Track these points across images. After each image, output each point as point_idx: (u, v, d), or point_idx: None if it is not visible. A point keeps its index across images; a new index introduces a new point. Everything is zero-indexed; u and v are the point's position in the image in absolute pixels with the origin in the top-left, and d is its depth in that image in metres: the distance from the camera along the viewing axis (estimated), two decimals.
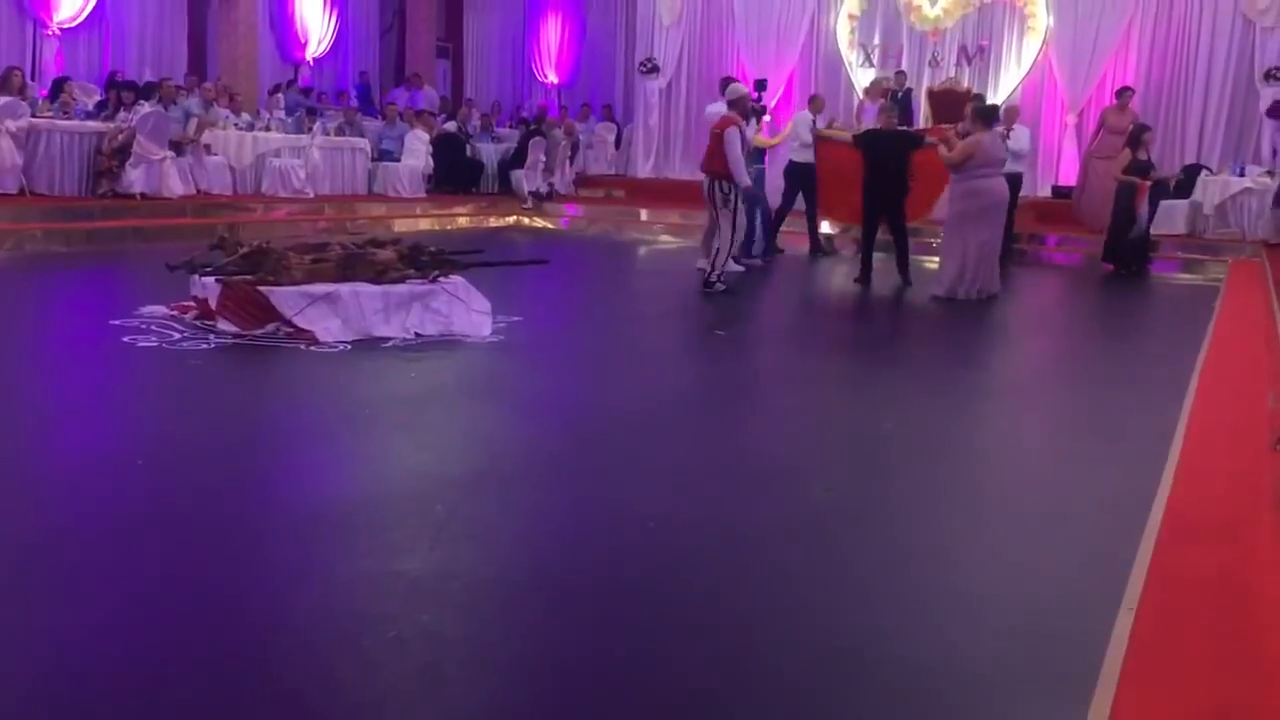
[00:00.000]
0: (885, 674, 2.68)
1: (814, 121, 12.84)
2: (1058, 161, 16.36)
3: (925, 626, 2.94)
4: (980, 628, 2.96)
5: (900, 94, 15.33)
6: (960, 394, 6.18)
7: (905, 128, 11.81)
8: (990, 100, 14.01)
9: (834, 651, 2.76)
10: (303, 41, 19.16)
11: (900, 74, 16.02)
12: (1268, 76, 14.85)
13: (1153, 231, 12.29)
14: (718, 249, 9.44)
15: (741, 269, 10.91)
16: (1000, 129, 11.56)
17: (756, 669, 2.67)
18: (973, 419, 5.62)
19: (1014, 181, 11.46)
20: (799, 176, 12.63)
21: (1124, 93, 14.12)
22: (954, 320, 8.78)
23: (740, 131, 9.56)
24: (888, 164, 10.26)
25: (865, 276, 10.37)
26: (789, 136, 13.22)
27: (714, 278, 9.40)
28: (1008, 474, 4.63)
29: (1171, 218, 13.38)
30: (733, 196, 9.44)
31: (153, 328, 6.43)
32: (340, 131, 15.64)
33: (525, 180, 16.56)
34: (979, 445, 5.07)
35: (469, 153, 17.20)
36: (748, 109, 10.00)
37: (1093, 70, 15.98)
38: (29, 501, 3.63)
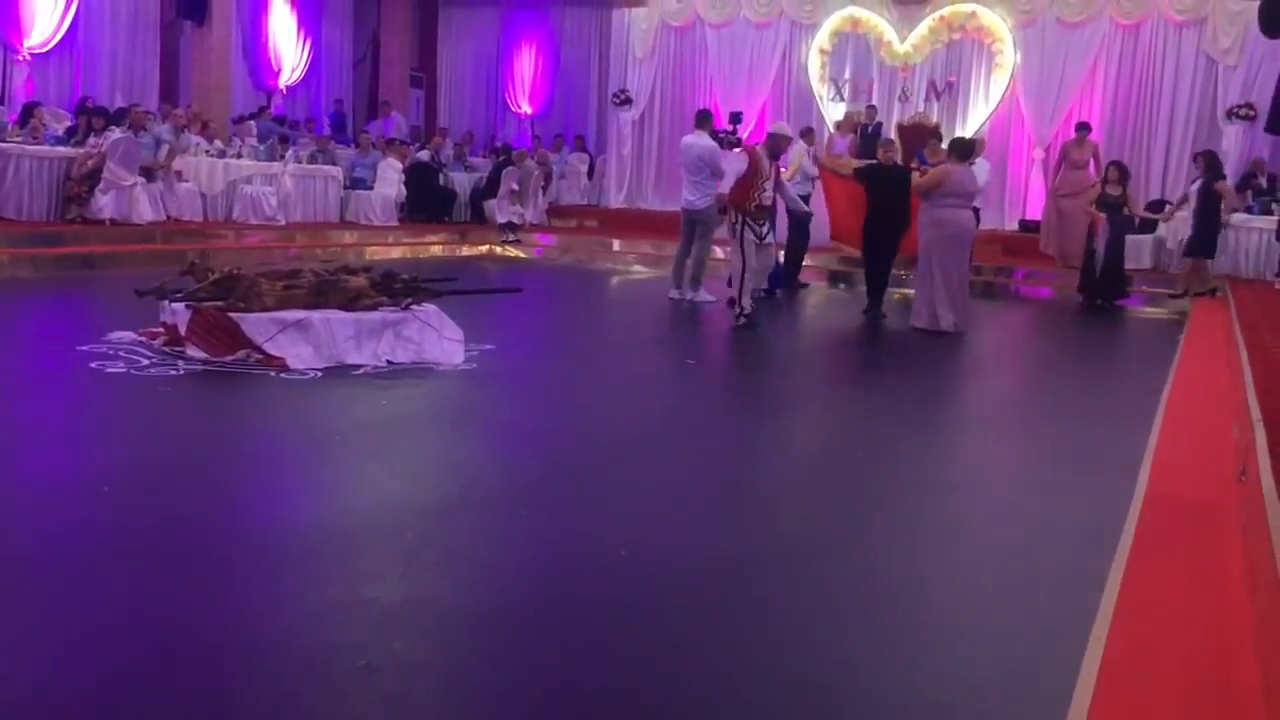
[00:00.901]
0: (856, 704, 2.68)
1: (809, 153, 12.98)
2: (1025, 196, 16.60)
3: (897, 657, 2.94)
4: (951, 658, 2.96)
5: (871, 128, 15.53)
6: (932, 425, 6.22)
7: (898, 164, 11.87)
8: (959, 135, 14.18)
9: (805, 682, 2.75)
10: (276, 69, 19.16)
11: (871, 108, 16.22)
12: (1230, 114, 15.13)
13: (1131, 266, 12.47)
14: (741, 283, 9.31)
15: (712, 299, 10.97)
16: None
17: (727, 699, 2.66)
18: (944, 450, 5.65)
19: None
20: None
21: (1082, 127, 14.38)
22: (924, 352, 8.84)
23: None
24: (894, 198, 10.30)
25: (875, 307, 10.45)
26: (797, 170, 13.24)
27: (738, 310, 9.31)
28: (979, 505, 4.66)
29: (1139, 253, 13.59)
30: (739, 227, 9.39)
31: (121, 353, 6.37)
32: (313, 159, 15.64)
33: (499, 210, 16.59)
34: (950, 476, 5.10)
35: (442, 181, 17.22)
36: (778, 149, 9.89)
37: (1059, 106, 16.24)
38: None
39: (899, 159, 11.30)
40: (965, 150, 10.03)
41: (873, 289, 10.61)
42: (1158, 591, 3.32)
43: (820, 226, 12.29)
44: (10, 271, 10.17)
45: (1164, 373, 7.49)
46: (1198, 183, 12.72)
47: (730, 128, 13.92)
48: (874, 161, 11.32)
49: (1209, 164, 12.66)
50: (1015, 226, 16.13)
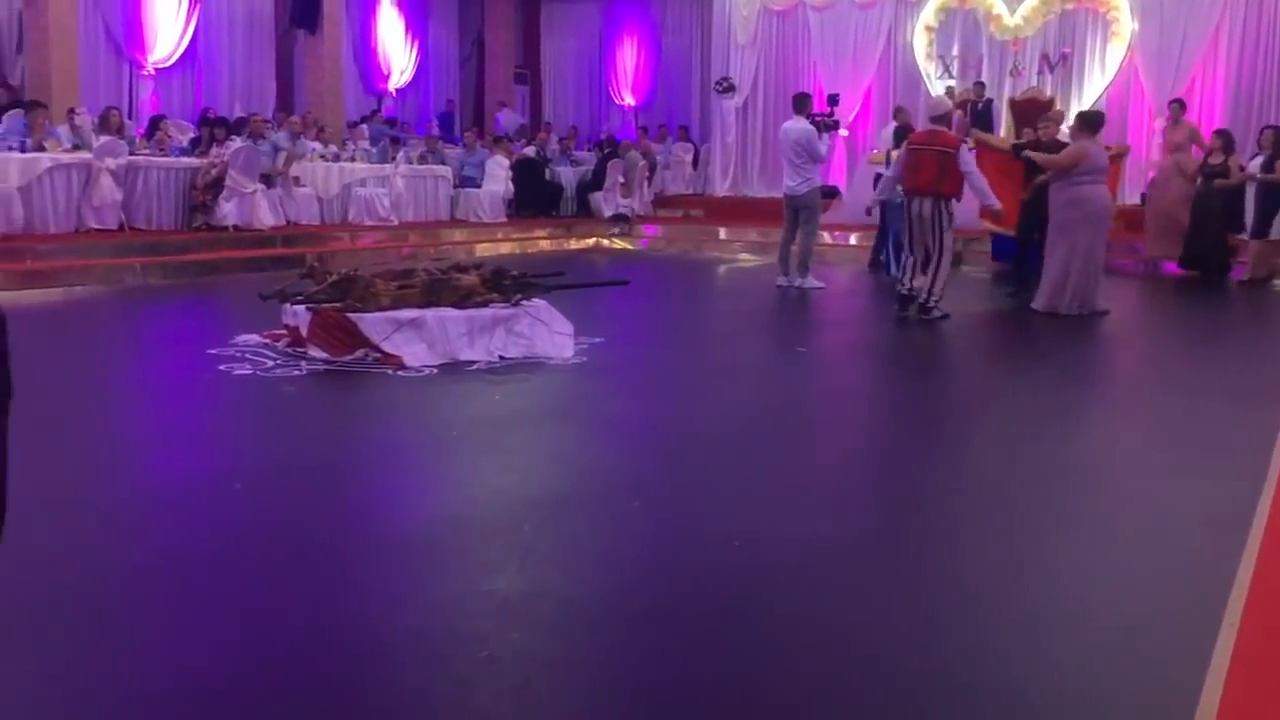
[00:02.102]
0: (978, 694, 2.65)
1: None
2: (1146, 168, 16.02)
3: (1020, 645, 2.89)
4: (1077, 646, 2.90)
5: (980, 105, 15.19)
6: (1053, 408, 6.07)
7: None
8: (1077, 109, 13.78)
9: (924, 671, 2.73)
10: (385, 72, 19.60)
11: (979, 85, 15.87)
12: None
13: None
14: (937, 272, 8.85)
15: (820, 285, 10.87)
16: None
17: (846, 690, 2.66)
18: (1065, 434, 5.51)
19: None
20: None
21: (1176, 105, 13.67)
22: (1047, 334, 8.63)
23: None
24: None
25: (1019, 289, 10.19)
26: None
27: (933, 303, 8.86)
28: (1103, 489, 4.54)
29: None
30: (953, 217, 8.97)
31: (247, 356, 6.61)
32: (423, 159, 15.95)
33: (605, 203, 16.71)
34: (1073, 461, 4.97)
35: (548, 176, 17.41)
36: (952, 123, 9.45)
37: (1180, 74, 15.66)
38: (132, 525, 3.76)
39: (1057, 135, 10.85)
40: (1096, 123, 9.67)
41: (1026, 271, 10.32)
42: None
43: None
44: (142, 279, 10.62)
45: None
46: (1258, 159, 12.08)
47: (829, 110, 13.74)
48: (1035, 139, 10.85)
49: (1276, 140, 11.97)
50: (1137, 200, 15.59)
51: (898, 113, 13.23)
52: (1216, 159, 11.78)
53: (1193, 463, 4.78)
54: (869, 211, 11.43)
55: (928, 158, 8.83)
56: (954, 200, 8.92)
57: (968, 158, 8.91)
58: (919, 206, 8.90)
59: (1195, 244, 12.01)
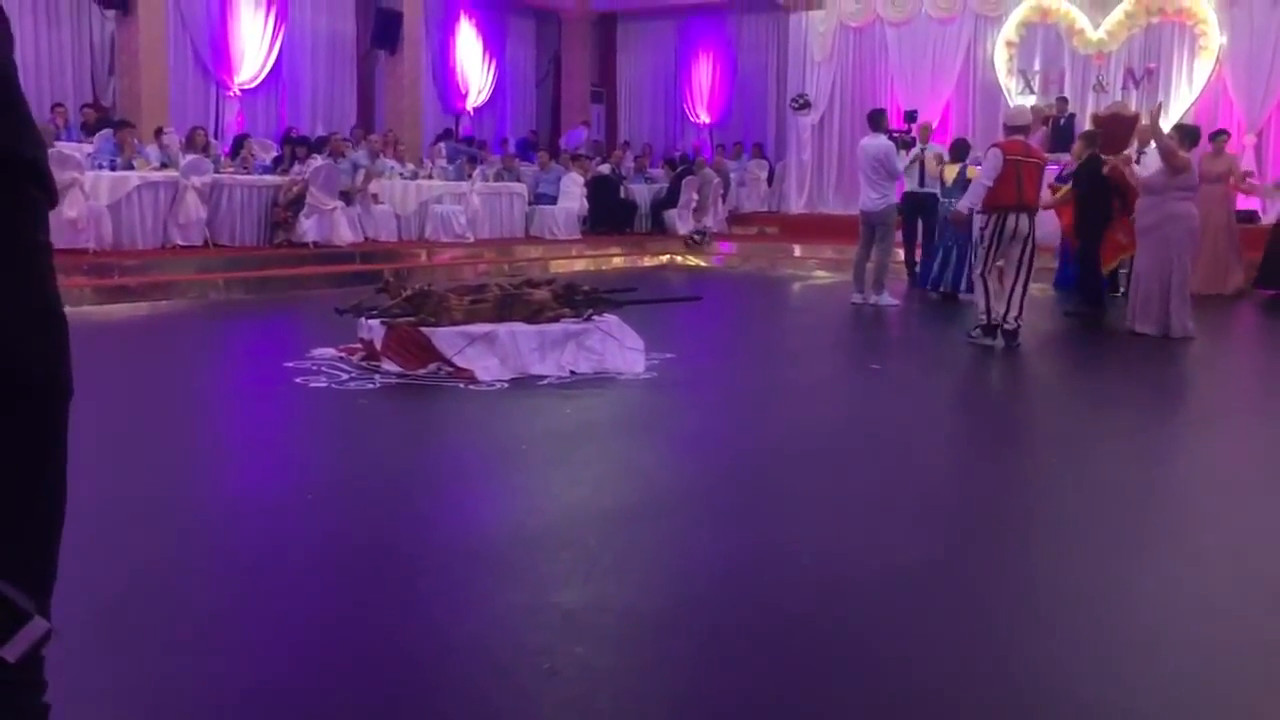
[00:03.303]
0: (1055, 716, 2.57)
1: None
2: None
3: (1097, 667, 2.80)
4: (1154, 672, 2.80)
5: (1062, 120, 14.94)
6: (1131, 430, 5.91)
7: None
8: (1173, 124, 13.45)
9: (1000, 692, 2.66)
10: (463, 92, 19.88)
11: (1062, 100, 15.61)
12: None
13: None
14: (1025, 292, 8.32)
15: (895, 302, 10.76)
16: (1129, 151, 11.22)
17: (920, 711, 2.59)
18: (1148, 455, 5.36)
19: None
20: (919, 208, 12.31)
21: (1219, 137, 12.81)
22: (1126, 354, 8.42)
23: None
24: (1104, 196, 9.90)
25: (1083, 305, 9.99)
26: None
27: (1019, 325, 8.33)
28: (1184, 511, 4.40)
29: None
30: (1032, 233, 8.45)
31: (323, 369, 6.71)
32: (499, 177, 16.12)
33: (679, 220, 16.73)
34: (1155, 480, 4.83)
35: (622, 194, 17.49)
36: (1034, 133, 9.14)
37: (1271, 88, 15.26)
38: (206, 532, 3.82)
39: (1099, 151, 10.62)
40: (1194, 137, 9.42)
41: (1098, 289, 10.12)
42: None
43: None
44: (225, 294, 10.87)
45: None
46: None
47: (906, 126, 13.60)
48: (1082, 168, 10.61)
49: None
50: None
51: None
52: None
53: (1276, 485, 4.62)
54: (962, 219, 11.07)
55: (1029, 170, 8.31)
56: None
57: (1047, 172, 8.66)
58: (1017, 222, 8.22)
59: (1273, 262, 11.75)
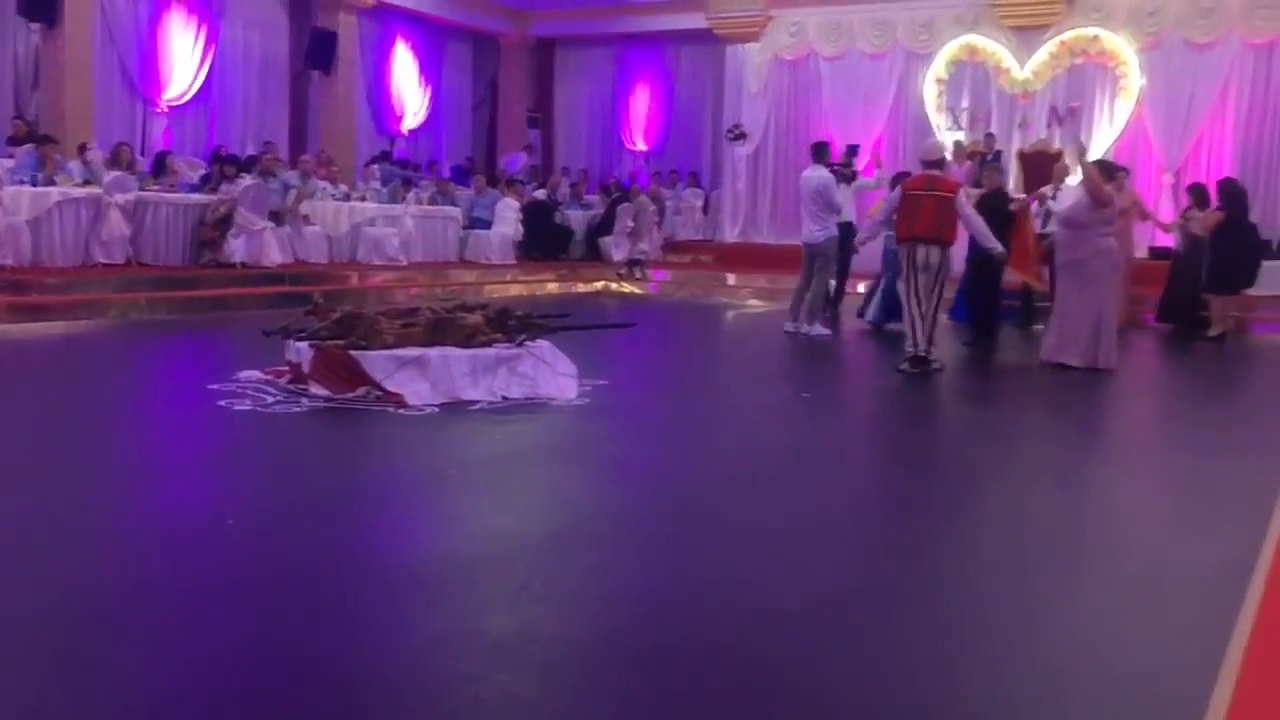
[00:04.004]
0: None
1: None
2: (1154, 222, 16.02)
3: (1016, 695, 2.83)
4: (1075, 696, 2.84)
5: (990, 156, 15.24)
6: (1051, 456, 6.02)
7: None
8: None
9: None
10: (399, 114, 19.76)
11: (990, 136, 15.93)
12: None
13: (1256, 291, 11.98)
14: (934, 323, 8.61)
15: (827, 333, 10.88)
16: (1047, 189, 11.66)
17: None
18: (1061, 483, 5.46)
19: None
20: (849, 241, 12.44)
21: (1119, 174, 13.19)
22: (1047, 385, 8.59)
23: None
24: (1003, 226, 9.92)
25: (979, 337, 10.17)
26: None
27: (932, 354, 8.62)
28: (1103, 539, 4.48)
29: (1274, 278, 13.00)
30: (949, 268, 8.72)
31: (248, 392, 6.59)
32: (433, 200, 16.03)
33: (614, 247, 16.77)
34: (1069, 510, 4.91)
35: (558, 220, 17.48)
36: (960, 167, 9.45)
37: (1189, 129, 15.72)
38: (125, 556, 3.72)
39: (1003, 184, 10.97)
40: (1112, 172, 9.68)
41: (985, 320, 10.32)
42: None
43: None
44: (148, 314, 10.64)
45: None
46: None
47: (846, 160, 13.76)
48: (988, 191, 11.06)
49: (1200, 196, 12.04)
50: (1145, 254, 15.58)
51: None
52: (1194, 213, 11.98)
53: (1193, 514, 4.72)
54: (855, 249, 11.25)
55: (927, 202, 8.58)
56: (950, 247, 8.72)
57: (965, 201, 8.78)
58: (925, 255, 8.52)
59: (1172, 297, 12.17)
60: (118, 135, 14.32)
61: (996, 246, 8.96)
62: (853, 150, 14.35)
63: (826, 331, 10.96)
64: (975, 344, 10.27)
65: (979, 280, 10.54)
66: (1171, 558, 4.13)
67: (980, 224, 8.82)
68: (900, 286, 8.99)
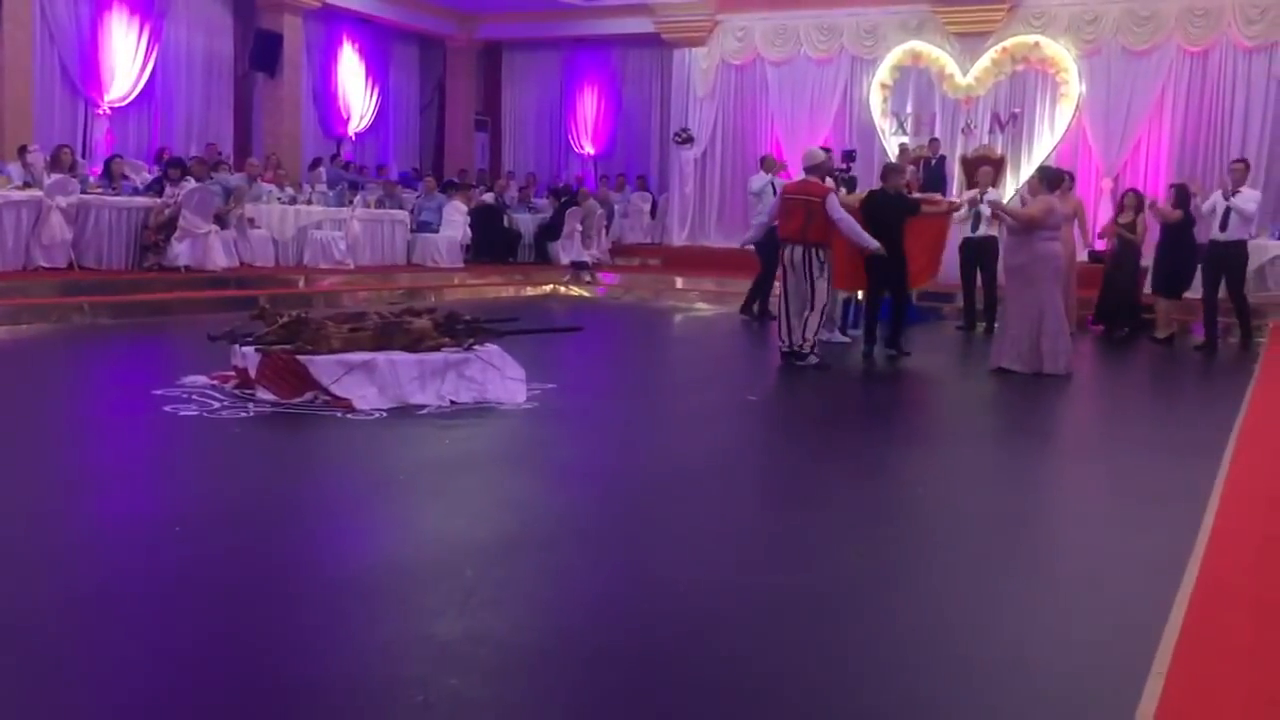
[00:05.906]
0: None
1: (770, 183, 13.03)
2: (1094, 225, 16.31)
3: (955, 693, 2.91)
4: (1010, 694, 2.93)
5: (934, 161, 15.46)
6: (990, 459, 6.15)
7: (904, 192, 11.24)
8: (1027, 166, 14.07)
9: (856, 718, 2.74)
10: (345, 117, 19.63)
11: (934, 141, 16.15)
12: None
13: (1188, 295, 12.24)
14: (808, 319, 9.05)
15: (848, 340, 10.83)
16: (974, 193, 11.97)
17: None
18: (1003, 483, 5.58)
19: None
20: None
21: (1068, 178, 12.90)
22: (990, 388, 8.74)
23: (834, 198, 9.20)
24: (890, 228, 9.73)
25: (870, 346, 10.06)
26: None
27: (809, 349, 9.09)
28: (1039, 539, 4.59)
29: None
30: (827, 265, 9.10)
31: (193, 397, 6.54)
32: (380, 204, 15.94)
33: (563, 250, 16.78)
34: (1010, 510, 5.03)
35: (506, 223, 17.46)
36: (825, 175, 9.59)
37: (1127, 135, 16.05)
38: (67, 564, 3.69)
39: (909, 186, 10.97)
40: (1055, 179, 9.80)
41: (871, 326, 10.13)
42: (1222, 628, 3.25)
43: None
44: (90, 319, 10.50)
45: (1237, 405, 7.33)
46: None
47: (845, 166, 13.59)
48: (873, 189, 10.72)
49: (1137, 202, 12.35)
50: (1084, 258, 15.88)
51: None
52: (1126, 217, 12.26)
53: (1131, 513, 4.85)
54: (743, 245, 11.32)
55: (796, 206, 9.10)
56: (824, 248, 9.05)
57: (835, 205, 9.07)
58: (790, 254, 9.11)
59: (1107, 300, 12.44)
60: (59, 137, 14.11)
61: (870, 244, 9.28)
62: (850, 155, 14.22)
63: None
64: (871, 355, 9.97)
65: (876, 285, 10.27)
66: (1115, 558, 4.24)
67: (851, 225, 9.17)
68: (777, 285, 9.56)
